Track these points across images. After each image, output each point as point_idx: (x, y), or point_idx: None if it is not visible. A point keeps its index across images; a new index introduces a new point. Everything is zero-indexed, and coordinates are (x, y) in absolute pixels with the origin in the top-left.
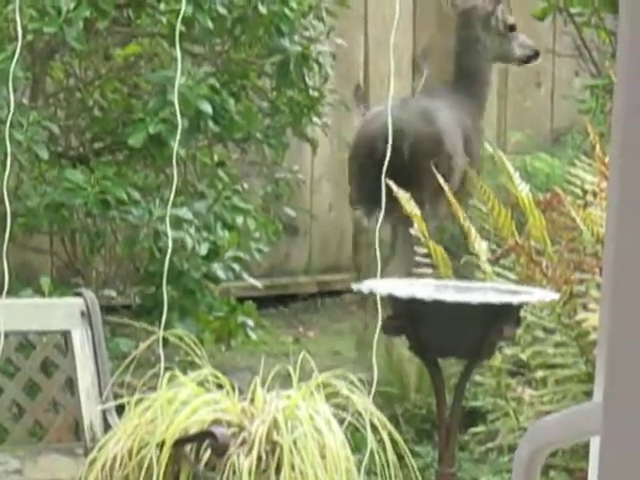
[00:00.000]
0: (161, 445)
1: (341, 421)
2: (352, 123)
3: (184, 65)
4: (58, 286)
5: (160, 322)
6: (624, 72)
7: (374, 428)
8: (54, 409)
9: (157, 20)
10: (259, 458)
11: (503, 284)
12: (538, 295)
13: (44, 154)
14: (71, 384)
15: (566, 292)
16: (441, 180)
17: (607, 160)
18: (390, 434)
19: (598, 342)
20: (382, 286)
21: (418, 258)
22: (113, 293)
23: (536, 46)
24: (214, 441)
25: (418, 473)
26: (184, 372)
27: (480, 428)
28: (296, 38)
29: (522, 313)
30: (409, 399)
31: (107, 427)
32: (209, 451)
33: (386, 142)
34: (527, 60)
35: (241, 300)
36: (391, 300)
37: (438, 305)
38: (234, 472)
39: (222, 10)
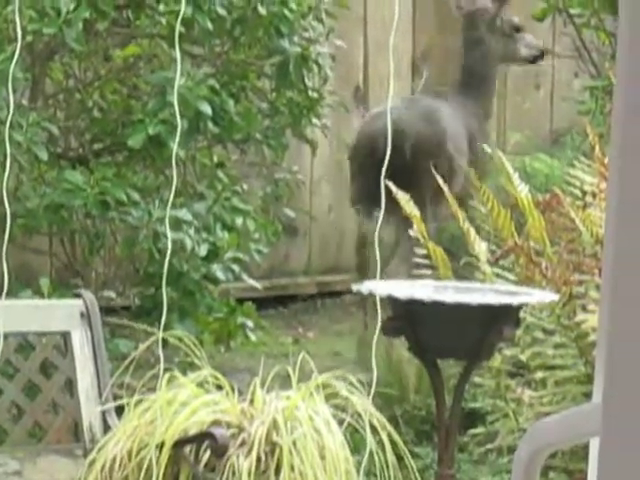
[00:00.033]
0: (160, 446)
1: (340, 422)
2: (351, 124)
3: (183, 66)
4: (57, 287)
5: (159, 323)
6: (624, 73)
7: (373, 429)
8: (53, 410)
9: (156, 21)
10: (258, 459)
11: (502, 285)
12: (537, 296)
13: (43, 155)
14: (70, 385)
15: (565, 293)
16: (441, 181)
17: (606, 161)
18: (389, 435)
19: (597, 343)
20: (382, 287)
21: (417, 259)
22: (112, 294)
23: (542, 45)
24: (214, 442)
25: (417, 474)
26: (184, 373)
27: (479, 429)
28: (295, 39)
29: (521, 314)
30: (408, 400)
31: (106, 428)
32: (209, 452)
33: (386, 142)
34: (533, 60)
35: (241, 301)
36: (391, 301)
37: (438, 306)
38: (233, 473)
39: (221, 11)
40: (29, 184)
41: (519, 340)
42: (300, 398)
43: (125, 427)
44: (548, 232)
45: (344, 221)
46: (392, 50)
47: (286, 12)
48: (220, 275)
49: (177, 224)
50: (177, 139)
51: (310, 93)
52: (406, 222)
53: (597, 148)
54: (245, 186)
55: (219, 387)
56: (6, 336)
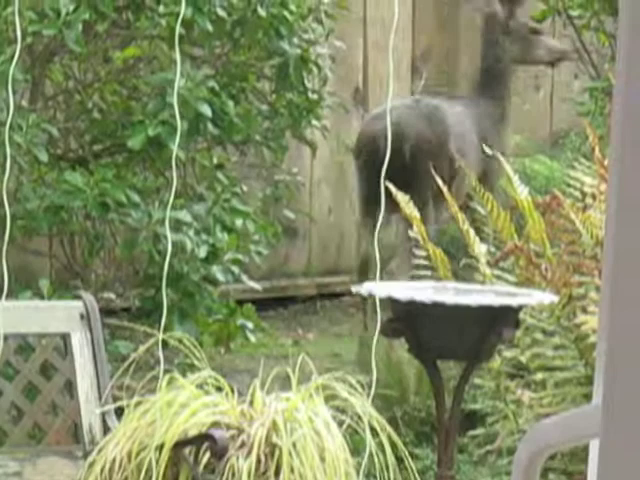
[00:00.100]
0: (160, 448)
1: (340, 423)
2: (351, 126)
3: (183, 67)
4: (57, 289)
5: (159, 325)
6: (623, 75)
7: (373, 430)
8: (53, 412)
9: (156, 23)
10: (258, 460)
11: (502, 286)
12: (537, 298)
13: (43, 156)
14: (70, 387)
15: (565, 295)
16: (440, 182)
17: (606, 163)
18: (389, 436)
19: (597, 345)
20: (381, 288)
21: (417, 260)
22: (112, 296)
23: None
24: (213, 444)
25: (417, 475)
26: (183, 375)
27: (479, 431)
28: (295, 41)
29: (521, 315)
30: (408, 401)
31: (106, 429)
32: (208, 454)
33: (385, 143)
34: (554, 63)
35: (240, 302)
36: (391, 302)
37: (437, 307)
38: (233, 474)
39: (221, 13)
40: (29, 185)
41: (519, 341)
42: (300, 400)
43: (125, 428)
44: (548, 234)
45: (344, 223)
46: (392, 51)
47: (286, 14)
48: (220, 276)
49: (177, 225)
50: (177, 140)
51: (310, 94)
52: (407, 223)
53: (597, 149)
54: (245, 187)
55: (219, 389)
56: (6, 337)
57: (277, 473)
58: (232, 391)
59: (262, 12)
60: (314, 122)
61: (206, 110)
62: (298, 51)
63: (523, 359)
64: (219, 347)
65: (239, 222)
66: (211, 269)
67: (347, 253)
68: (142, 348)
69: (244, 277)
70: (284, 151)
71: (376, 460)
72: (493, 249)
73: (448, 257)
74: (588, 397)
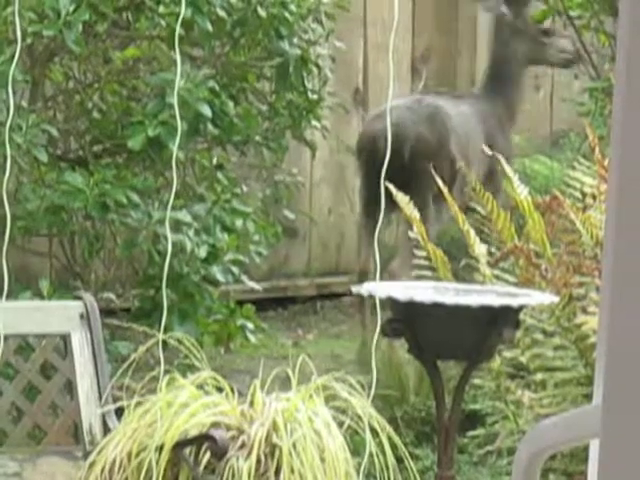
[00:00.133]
0: (160, 448)
1: (340, 424)
2: (351, 126)
3: (183, 68)
4: (57, 289)
5: (159, 325)
6: (623, 75)
7: (373, 431)
8: (53, 412)
9: (156, 23)
10: (258, 461)
11: (502, 287)
12: (537, 298)
13: (43, 157)
14: (70, 387)
15: (565, 295)
16: (441, 183)
17: (606, 163)
18: (389, 437)
19: (597, 345)
20: (381, 289)
21: (417, 261)
22: (112, 296)
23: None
24: (213, 444)
25: (417, 476)
26: (183, 375)
27: (479, 431)
28: (295, 41)
29: (521, 316)
30: (408, 402)
31: (106, 430)
32: (208, 454)
33: (385, 143)
34: (566, 64)
35: (240, 303)
36: (391, 303)
37: (437, 308)
38: (233, 475)
39: (221, 13)
40: (29, 186)
41: (519, 342)
42: (300, 400)
43: (125, 429)
44: (548, 234)
45: (344, 223)
46: (392, 52)
47: (286, 14)
48: (220, 277)
49: (177, 226)
50: (177, 141)
51: (310, 95)
52: (407, 223)
53: (597, 150)
54: (245, 188)
55: (219, 389)
56: (6, 338)
57: (277, 473)
58: (232, 391)
59: (262, 12)
60: (314, 122)
61: (206, 110)
62: (298, 51)
63: (523, 359)
64: (219, 347)
65: (239, 222)
66: (211, 269)
67: (347, 253)
68: (142, 348)
69: (244, 277)
70: (284, 151)
71: (376, 460)
72: (493, 249)
73: (448, 257)
74: (588, 397)
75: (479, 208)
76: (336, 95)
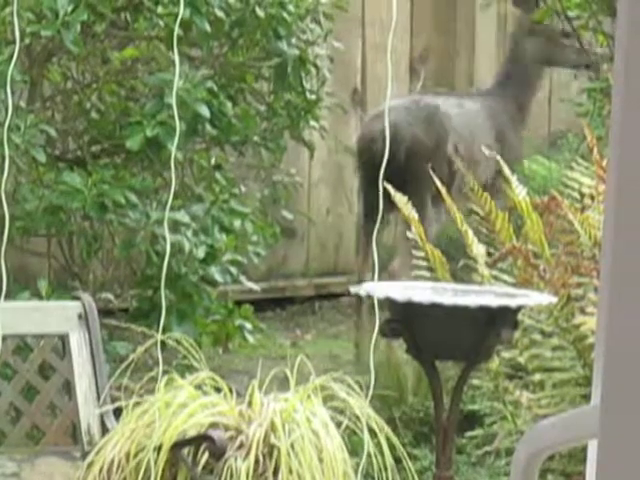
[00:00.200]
0: (158, 448)
1: (338, 424)
2: (349, 126)
3: (181, 68)
4: (56, 289)
5: (158, 325)
6: (622, 75)
7: (371, 431)
8: (52, 412)
9: (154, 23)
10: (256, 461)
11: (501, 287)
12: (535, 298)
13: (42, 157)
14: (68, 387)
15: (564, 295)
16: (439, 183)
17: (605, 163)
18: (387, 437)
19: (596, 345)
20: (380, 289)
21: (415, 261)
22: (110, 296)
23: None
24: (212, 444)
25: (415, 476)
26: (182, 375)
27: (478, 431)
28: (294, 41)
29: (520, 316)
30: (406, 402)
31: (105, 430)
32: (206, 454)
33: (384, 144)
34: (586, 67)
35: (239, 303)
36: (389, 303)
37: (436, 308)
38: (231, 475)
39: (220, 13)
40: (27, 186)
41: (517, 342)
42: (298, 400)
43: (123, 429)
44: (546, 234)
45: (342, 223)
46: (390, 52)
47: (284, 14)
48: (218, 277)
49: (175, 226)
50: (176, 141)
51: (308, 95)
52: (405, 224)
53: (595, 150)
54: (243, 188)
55: (217, 389)
56: (4, 338)
57: (275, 474)
58: (230, 392)
59: (260, 13)
60: (312, 123)
61: (204, 111)
62: (296, 52)
63: (521, 360)
64: (217, 348)
65: (237, 223)
66: (209, 270)
67: (345, 254)
68: (140, 349)
69: (242, 278)
70: (282, 152)
71: (374, 461)
72: (491, 250)
73: (447, 258)
74: (587, 398)
75: (477, 208)
76: (334, 95)
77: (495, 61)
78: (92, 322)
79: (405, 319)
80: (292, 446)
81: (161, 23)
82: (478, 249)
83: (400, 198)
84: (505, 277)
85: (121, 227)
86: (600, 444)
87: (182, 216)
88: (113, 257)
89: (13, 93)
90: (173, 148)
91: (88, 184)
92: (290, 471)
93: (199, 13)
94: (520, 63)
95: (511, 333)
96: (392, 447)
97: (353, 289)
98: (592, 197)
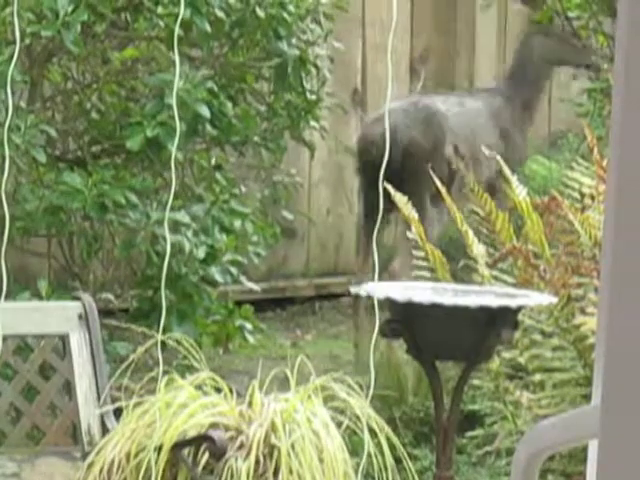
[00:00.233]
0: (159, 449)
1: (339, 424)
2: (349, 127)
3: (182, 68)
4: (56, 289)
5: (158, 325)
6: (622, 75)
7: (372, 431)
8: (52, 412)
9: (155, 24)
10: (257, 461)
11: (501, 287)
12: (536, 299)
13: (42, 157)
14: (69, 387)
15: (564, 296)
16: (439, 184)
17: (605, 163)
18: (388, 437)
19: (596, 345)
20: (380, 289)
21: (416, 261)
22: (111, 296)
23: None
24: (212, 445)
25: (416, 476)
26: (182, 376)
27: (478, 431)
28: (294, 41)
29: (520, 317)
30: (407, 402)
31: (105, 430)
32: (207, 455)
33: (383, 145)
34: (596, 67)
35: (239, 303)
36: (389, 303)
37: (436, 308)
38: (232, 476)
39: (220, 13)
40: (27, 186)
41: (517, 342)
42: (298, 400)
43: (123, 429)
44: (546, 235)
45: (342, 223)
46: (390, 52)
47: (284, 15)
48: (218, 277)
49: (175, 226)
50: (176, 142)
51: (308, 95)
52: (405, 224)
53: (595, 150)
54: (243, 188)
55: (217, 389)
56: (5, 338)
57: (276, 474)
58: (231, 392)
59: (260, 13)
60: (312, 123)
61: (204, 111)
62: (296, 52)
63: (522, 360)
64: (218, 348)
65: (237, 223)
66: (210, 270)
67: (346, 254)
68: (141, 349)
69: (243, 278)
70: (282, 152)
71: (375, 461)
72: (492, 250)
73: (447, 258)
74: (587, 398)
75: (477, 209)
76: (334, 95)
77: (495, 61)
78: (92, 322)
79: (405, 319)
80: (292, 446)
81: (161, 23)
82: (478, 249)
83: (400, 198)
84: (505, 277)
85: (121, 227)
86: (600, 444)
87: (182, 216)
88: (113, 257)
89: (13, 93)
90: (173, 148)
91: (88, 184)
92: (290, 471)
93: (199, 13)
94: (530, 63)
95: (511, 333)
96: (392, 447)
97: (353, 289)
98: (592, 197)
